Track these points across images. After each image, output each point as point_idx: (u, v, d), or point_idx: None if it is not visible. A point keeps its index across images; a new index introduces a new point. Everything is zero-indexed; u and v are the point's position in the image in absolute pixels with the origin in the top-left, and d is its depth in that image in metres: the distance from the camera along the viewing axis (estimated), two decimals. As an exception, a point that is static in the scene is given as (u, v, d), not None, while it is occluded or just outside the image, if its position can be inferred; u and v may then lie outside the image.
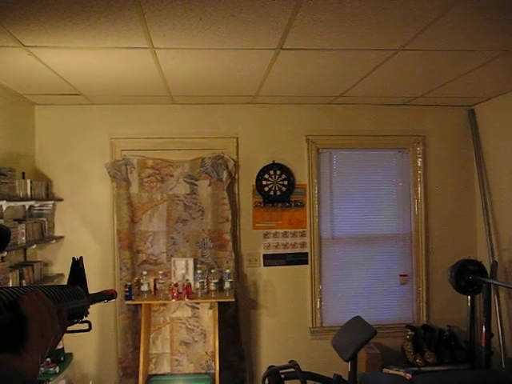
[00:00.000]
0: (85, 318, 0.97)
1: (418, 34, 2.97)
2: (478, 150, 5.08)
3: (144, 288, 4.55)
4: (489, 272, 4.57)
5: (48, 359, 3.98)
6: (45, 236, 4.55)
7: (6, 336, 0.66)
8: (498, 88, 4.48)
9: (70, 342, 4.52)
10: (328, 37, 3.01)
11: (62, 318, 0.78)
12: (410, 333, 4.95)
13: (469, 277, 4.50)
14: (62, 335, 0.80)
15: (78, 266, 1.00)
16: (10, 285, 3.81)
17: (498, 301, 4.78)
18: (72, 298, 0.90)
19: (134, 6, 2.45)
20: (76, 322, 0.94)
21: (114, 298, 1.16)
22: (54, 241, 4.67)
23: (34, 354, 0.68)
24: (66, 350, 4.45)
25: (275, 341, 5.02)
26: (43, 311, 0.71)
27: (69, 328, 0.88)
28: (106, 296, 1.13)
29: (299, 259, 5.03)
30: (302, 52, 3.31)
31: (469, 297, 4.72)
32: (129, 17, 2.60)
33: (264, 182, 5.00)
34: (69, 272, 1.00)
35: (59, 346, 4.28)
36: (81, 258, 1.02)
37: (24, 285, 3.95)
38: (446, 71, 3.88)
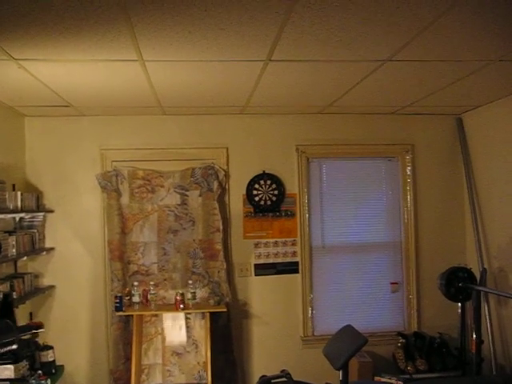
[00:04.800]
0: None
1: (404, 45, 3.00)
2: (466, 157, 5.13)
3: (135, 299, 4.54)
4: (478, 279, 4.61)
5: (39, 372, 3.94)
6: (35, 248, 4.54)
7: None
8: (486, 97, 4.54)
9: (61, 353, 4.49)
10: (316, 48, 3.04)
11: None
12: (401, 340, 4.96)
13: (458, 284, 4.55)
14: None
15: (7, 300, 1.00)
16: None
17: (488, 307, 4.81)
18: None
19: (124, 19, 2.47)
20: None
21: (42, 328, 1.15)
22: (44, 252, 4.66)
23: None
24: (58, 362, 4.41)
25: (267, 350, 5.02)
26: None
27: None
28: (32, 327, 1.13)
29: (290, 268, 5.04)
30: (291, 63, 3.34)
31: (459, 304, 4.76)
32: (118, 30, 2.62)
33: (254, 192, 5.01)
34: None
35: (50, 359, 4.25)
36: (10, 292, 1.02)
37: None
38: (433, 81, 3.92)
